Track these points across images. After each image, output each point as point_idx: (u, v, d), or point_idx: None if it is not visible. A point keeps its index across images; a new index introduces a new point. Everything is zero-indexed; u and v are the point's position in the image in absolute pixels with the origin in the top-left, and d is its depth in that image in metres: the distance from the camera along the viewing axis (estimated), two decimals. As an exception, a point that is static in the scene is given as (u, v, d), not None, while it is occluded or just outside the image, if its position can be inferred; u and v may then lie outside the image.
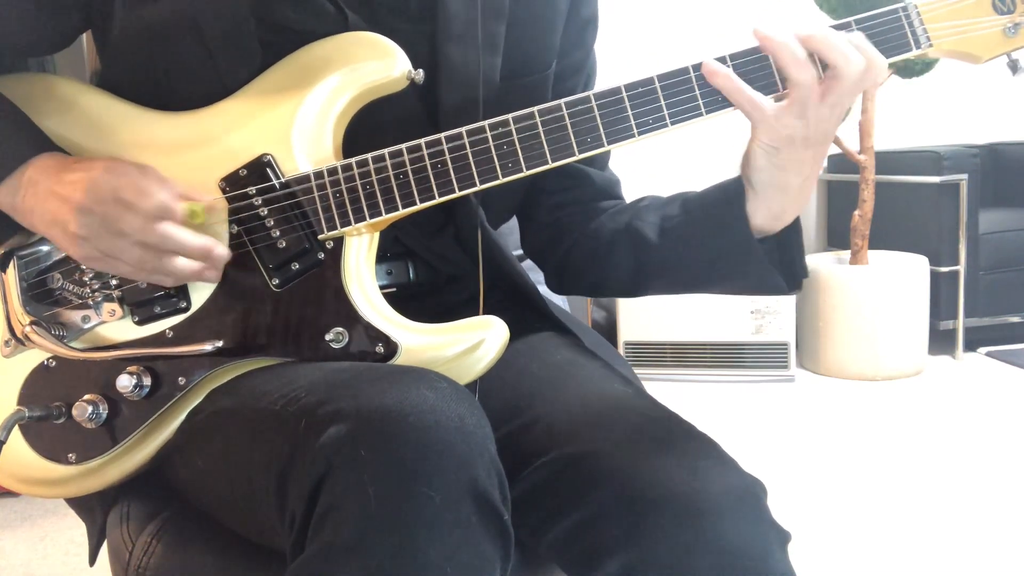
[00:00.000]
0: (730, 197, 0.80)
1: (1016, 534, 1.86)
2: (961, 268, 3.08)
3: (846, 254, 3.15)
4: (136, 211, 0.71)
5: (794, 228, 0.81)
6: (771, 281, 0.81)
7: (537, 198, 0.95)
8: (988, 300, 3.16)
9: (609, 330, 3.13)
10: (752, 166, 0.77)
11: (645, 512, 0.68)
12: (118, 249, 0.72)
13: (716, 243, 0.81)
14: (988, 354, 3.21)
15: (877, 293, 2.93)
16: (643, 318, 3.03)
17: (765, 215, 0.79)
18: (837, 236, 3.55)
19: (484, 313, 0.75)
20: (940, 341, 3.15)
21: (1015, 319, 3.21)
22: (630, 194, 0.96)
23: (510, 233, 1.19)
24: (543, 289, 1.00)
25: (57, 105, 0.81)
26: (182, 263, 0.73)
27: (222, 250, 0.74)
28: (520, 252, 1.21)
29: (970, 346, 3.22)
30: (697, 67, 0.74)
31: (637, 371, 0.98)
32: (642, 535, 0.68)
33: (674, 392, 2.92)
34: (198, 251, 0.73)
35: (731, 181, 0.81)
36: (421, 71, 0.77)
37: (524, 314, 0.93)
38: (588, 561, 0.71)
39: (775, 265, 0.81)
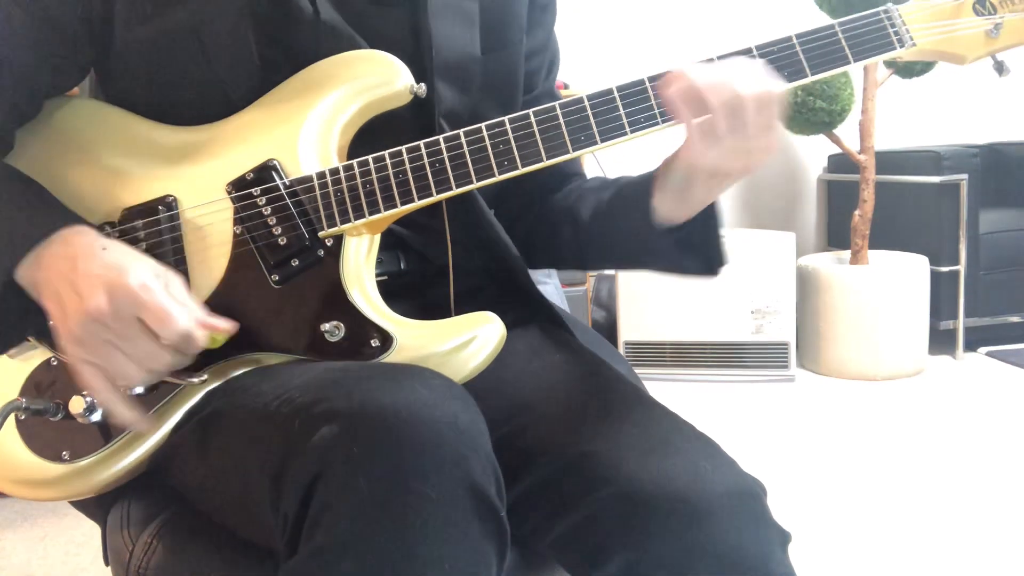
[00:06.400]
0: (641, 191, 0.83)
1: (1016, 534, 1.86)
2: (961, 268, 3.08)
3: (846, 254, 3.15)
4: (155, 339, 0.68)
5: (710, 216, 0.82)
6: (685, 265, 0.85)
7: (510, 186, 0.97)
8: (988, 300, 3.16)
9: (609, 330, 3.12)
10: (670, 173, 0.80)
11: (646, 512, 0.69)
12: (108, 360, 0.68)
13: (629, 230, 0.86)
14: (988, 354, 3.21)
15: (877, 293, 2.93)
16: (643, 318, 3.03)
17: (669, 210, 0.81)
18: (837, 236, 3.55)
19: (477, 307, 0.75)
20: (940, 341, 3.15)
21: (1015, 319, 3.21)
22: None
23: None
24: (543, 289, 1.00)
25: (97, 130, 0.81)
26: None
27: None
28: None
29: (970, 346, 3.22)
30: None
31: (637, 371, 0.98)
32: (643, 535, 0.68)
33: (674, 392, 2.92)
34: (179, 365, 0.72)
35: (647, 176, 0.84)
36: (423, 85, 0.80)
37: (524, 313, 0.93)
38: (589, 561, 0.71)
39: (692, 249, 0.83)
